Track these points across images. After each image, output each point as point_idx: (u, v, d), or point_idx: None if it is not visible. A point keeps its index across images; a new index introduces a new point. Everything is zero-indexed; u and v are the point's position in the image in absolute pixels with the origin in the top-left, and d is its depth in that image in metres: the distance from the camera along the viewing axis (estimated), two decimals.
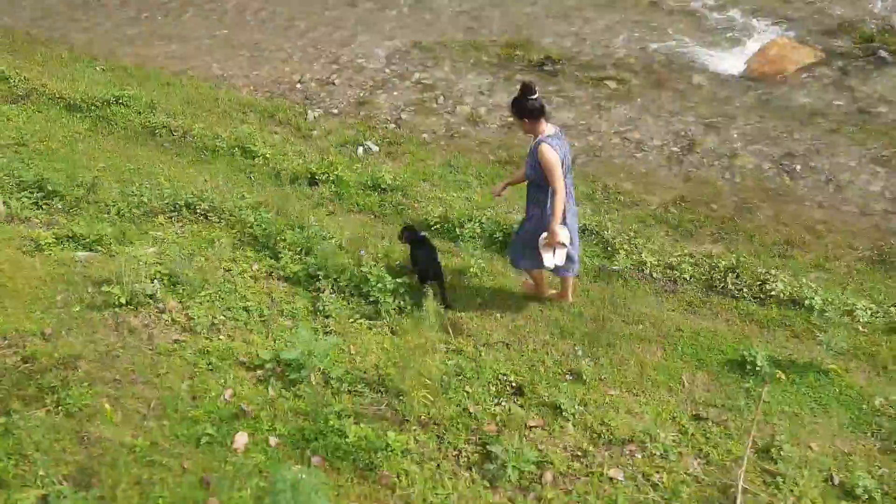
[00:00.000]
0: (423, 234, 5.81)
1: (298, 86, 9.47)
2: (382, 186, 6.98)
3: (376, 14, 11.00)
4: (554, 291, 5.70)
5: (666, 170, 7.49)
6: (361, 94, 9.14)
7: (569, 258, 5.11)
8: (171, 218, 6.26)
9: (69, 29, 11.02)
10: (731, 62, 9.01)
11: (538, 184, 4.93)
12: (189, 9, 11.43)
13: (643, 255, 6.07)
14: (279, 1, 11.51)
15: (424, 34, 10.40)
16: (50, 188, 6.32)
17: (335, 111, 8.89)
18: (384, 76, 9.53)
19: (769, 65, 8.79)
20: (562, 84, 8.95)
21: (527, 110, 4.76)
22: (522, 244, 5.22)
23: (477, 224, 6.39)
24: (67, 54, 10.15)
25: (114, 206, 6.27)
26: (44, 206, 6.26)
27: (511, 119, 5.11)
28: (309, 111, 8.78)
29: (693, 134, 7.96)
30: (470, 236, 6.29)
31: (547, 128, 4.85)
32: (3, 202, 6.11)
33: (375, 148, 8.07)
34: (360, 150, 8.04)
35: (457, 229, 6.40)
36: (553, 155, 4.71)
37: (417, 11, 10.99)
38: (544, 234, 4.91)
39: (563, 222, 4.85)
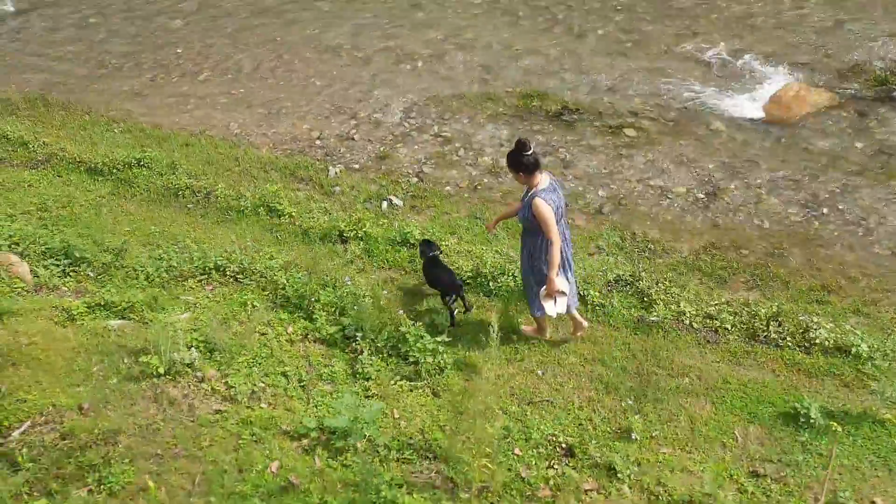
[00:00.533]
0: (435, 252, 6.05)
1: (318, 142, 9.50)
2: (411, 242, 6.93)
3: (391, 70, 11.11)
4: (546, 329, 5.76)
5: (692, 216, 7.45)
6: (381, 149, 9.16)
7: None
8: (201, 281, 6.20)
9: (86, 92, 11.11)
10: (747, 107, 9.06)
11: (532, 232, 5.12)
12: (204, 69, 11.54)
13: (681, 304, 5.98)
14: (294, 59, 11.62)
15: (440, 88, 10.48)
16: (77, 255, 6.28)
17: (356, 166, 8.90)
18: (403, 130, 9.57)
19: (786, 109, 8.84)
20: (581, 133, 8.98)
21: (522, 165, 4.95)
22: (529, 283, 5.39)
23: (510, 277, 6.32)
24: (85, 118, 10.22)
25: (142, 270, 6.22)
26: (71, 274, 6.21)
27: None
28: (330, 167, 8.79)
29: (716, 180, 7.95)
30: (504, 290, 6.22)
31: (542, 180, 5.01)
32: (31, 270, 6.07)
33: (399, 202, 8.05)
34: (385, 204, 8.01)
35: (490, 283, 6.34)
36: (546, 208, 4.88)
37: (432, 66, 11.10)
38: (544, 287, 5.09)
39: (561, 269, 5.07)
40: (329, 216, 7.55)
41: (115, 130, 9.79)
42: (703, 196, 7.70)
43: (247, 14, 13.33)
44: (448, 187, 8.33)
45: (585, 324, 5.70)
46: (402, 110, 10.06)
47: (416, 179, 8.52)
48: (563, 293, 5.10)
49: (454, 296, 5.83)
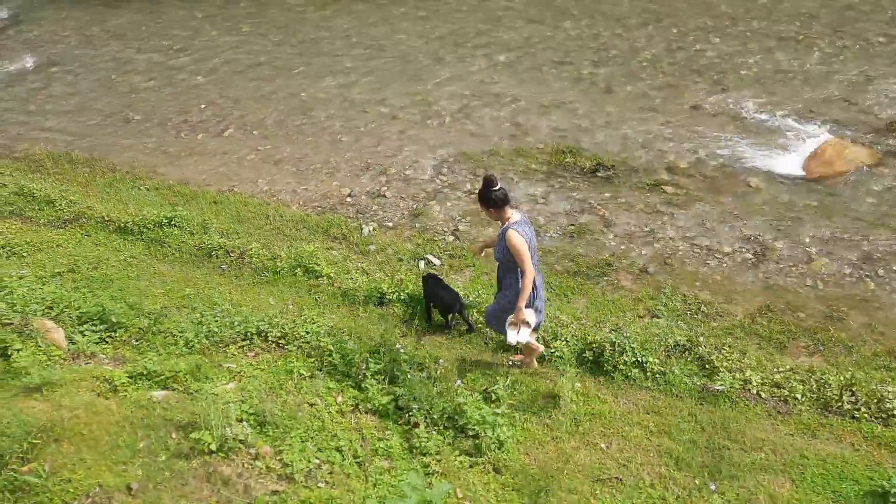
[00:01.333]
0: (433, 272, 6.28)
1: (349, 199, 9.36)
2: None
3: (419, 126, 11.06)
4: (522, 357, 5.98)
5: (742, 277, 7.24)
6: (414, 206, 9.01)
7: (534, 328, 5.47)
8: (242, 347, 5.96)
9: (110, 149, 11.04)
10: (786, 164, 8.93)
11: (507, 266, 5.30)
12: (230, 126, 11.50)
13: (746, 372, 5.72)
14: (320, 115, 11.59)
15: (470, 144, 10.40)
16: (113, 319, 6.04)
17: (390, 224, 8.73)
18: (435, 187, 9.44)
19: (826, 166, 8.72)
20: (618, 190, 8.84)
21: (491, 201, 5.14)
22: (498, 313, 5.56)
23: (563, 342, 6.08)
24: (111, 175, 10.12)
25: (181, 336, 5.99)
26: (108, 340, 5.97)
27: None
28: (363, 225, 8.62)
29: (763, 239, 7.76)
30: (558, 356, 5.97)
31: (512, 214, 5.20)
32: (66, 337, 5.84)
33: (437, 261, 7.85)
34: (422, 263, 7.82)
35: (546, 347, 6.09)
36: (519, 239, 5.06)
37: (459, 122, 11.05)
38: (511, 316, 5.29)
39: (532, 303, 5.25)
40: (368, 277, 7.35)
41: (143, 188, 9.67)
42: (750, 256, 7.50)
43: (269, 70, 13.37)
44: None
45: (535, 365, 5.93)
46: (433, 167, 9.95)
47: (452, 238, 8.35)
48: (528, 324, 5.24)
49: (455, 313, 6.19)
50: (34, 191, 8.96)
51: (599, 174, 9.19)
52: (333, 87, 12.54)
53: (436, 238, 8.34)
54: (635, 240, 7.89)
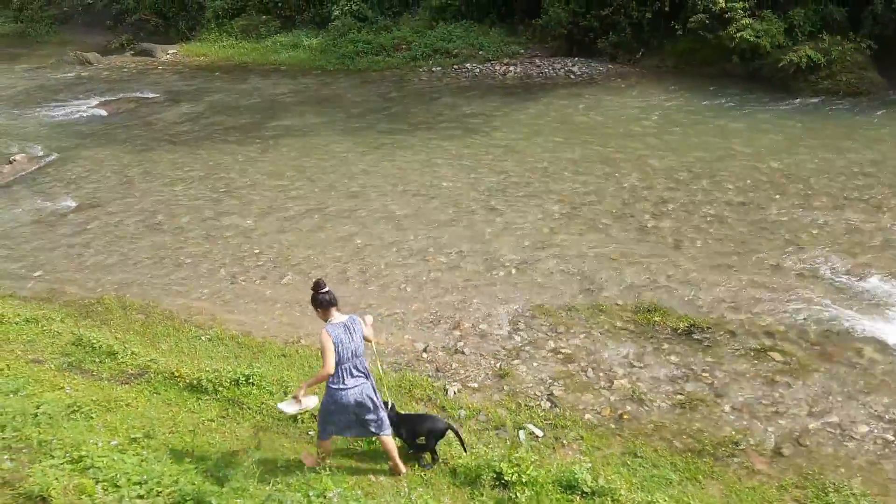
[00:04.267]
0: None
1: (425, 356, 8.78)
2: (584, 489, 5.98)
3: (484, 276, 10.69)
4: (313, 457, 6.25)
5: (891, 463, 6.58)
6: (498, 366, 8.43)
7: (336, 430, 5.99)
8: None
9: (162, 294, 10.54)
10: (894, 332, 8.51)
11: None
12: (287, 272, 11.09)
13: None
14: (379, 263, 11.23)
15: (540, 297, 9.98)
16: (213, 502, 5.27)
17: (474, 385, 8.11)
18: (515, 344, 8.91)
19: None
20: (720, 355, 8.32)
21: (318, 302, 5.71)
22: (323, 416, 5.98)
23: None
24: (167, 323, 9.55)
25: None
26: None
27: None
28: (448, 387, 7.99)
29: None
30: None
31: (336, 316, 5.72)
32: None
33: (539, 432, 7.17)
34: (522, 434, 7.14)
35: None
36: (326, 338, 5.56)
37: (525, 273, 10.70)
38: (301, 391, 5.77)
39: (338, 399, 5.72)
40: (471, 451, 6.64)
41: (204, 338, 9.08)
42: (892, 438, 6.88)
43: (319, 216, 13.17)
44: (588, 415, 7.49)
45: (403, 469, 6.21)
46: (509, 321, 9.46)
47: (548, 404, 7.70)
48: (299, 401, 5.76)
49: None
50: (93, 341, 8.35)
51: (695, 336, 8.71)
52: (387, 234, 12.29)
53: (530, 404, 7.70)
54: (756, 414, 7.27)
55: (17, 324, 8.97)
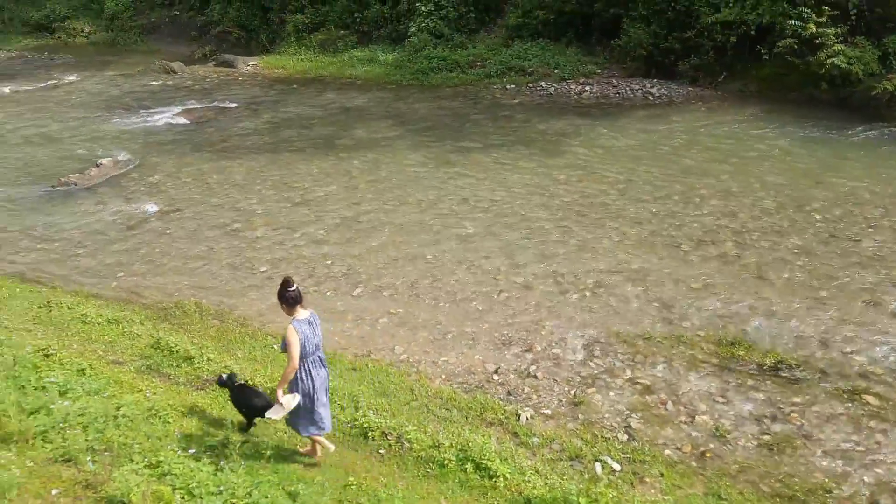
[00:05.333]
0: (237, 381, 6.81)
1: (496, 377, 8.60)
2: None
3: (557, 298, 10.45)
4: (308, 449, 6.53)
5: None
6: (572, 393, 8.18)
7: (312, 422, 6.14)
8: None
9: (237, 300, 10.68)
10: None
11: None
12: (358, 285, 11.09)
13: None
14: (450, 279, 11.13)
15: (617, 324, 9.68)
16: None
17: (547, 412, 7.89)
18: (590, 371, 8.64)
19: None
20: (811, 395, 7.88)
21: (285, 299, 5.92)
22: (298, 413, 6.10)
23: None
24: (241, 330, 9.66)
25: None
26: None
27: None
28: (520, 412, 7.79)
29: None
30: None
31: (300, 313, 5.95)
32: None
33: (617, 466, 6.90)
34: (598, 467, 6.88)
35: None
36: (293, 335, 5.80)
37: (601, 297, 10.42)
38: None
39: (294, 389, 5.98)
40: (544, 480, 6.42)
41: (276, 347, 9.10)
42: None
43: (391, 229, 13.16)
44: (668, 451, 7.17)
45: (331, 447, 6.48)
46: (583, 347, 9.20)
47: (625, 437, 7.41)
48: (282, 406, 5.91)
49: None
50: (171, 345, 8.47)
51: (782, 373, 8.27)
52: (459, 251, 12.18)
53: (606, 435, 7.42)
54: (851, 461, 6.82)
55: (99, 324, 9.20)
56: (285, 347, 5.88)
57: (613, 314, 9.98)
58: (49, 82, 28.27)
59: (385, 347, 9.34)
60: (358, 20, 29.59)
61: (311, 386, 5.99)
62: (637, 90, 22.25)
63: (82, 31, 37.70)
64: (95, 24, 37.92)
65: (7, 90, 26.91)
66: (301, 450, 6.61)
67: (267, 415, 6.10)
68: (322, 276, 11.42)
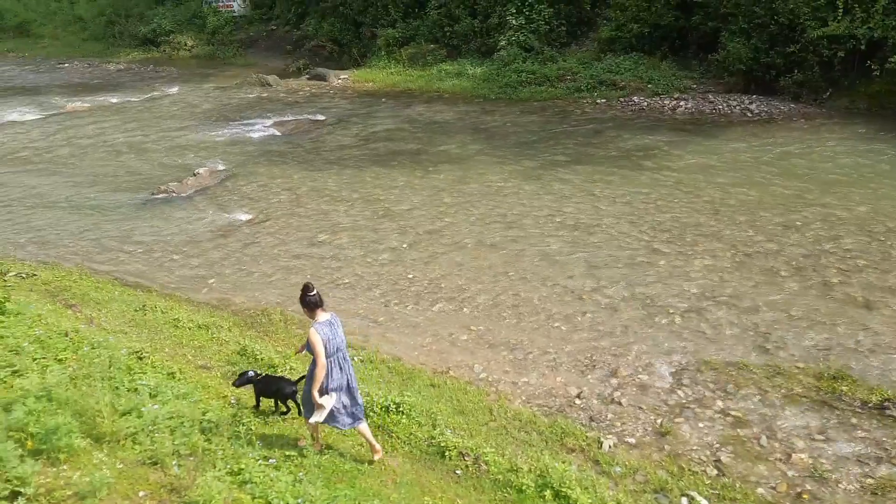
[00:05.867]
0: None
1: (578, 401, 8.34)
2: None
3: (644, 321, 10.09)
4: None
5: None
6: (659, 422, 7.83)
7: (350, 415, 6.45)
8: None
9: None
10: None
11: (314, 358, 6.18)
12: (439, 300, 11.03)
13: None
14: (532, 297, 10.92)
15: (709, 351, 9.25)
16: None
17: (631, 441, 7.57)
18: (678, 400, 8.26)
19: None
20: None
21: (306, 303, 6.21)
22: (306, 398, 6.42)
23: None
24: None
25: None
26: None
27: None
28: (603, 439, 7.51)
29: None
30: None
31: (321, 315, 6.25)
32: None
33: (705, 502, 6.53)
34: (685, 501, 6.53)
35: None
36: (316, 337, 6.08)
37: (692, 322, 9.98)
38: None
39: (330, 389, 6.23)
40: None
41: (356, 359, 9.13)
42: None
43: (474, 244, 13.06)
44: (761, 489, 6.74)
45: (377, 447, 6.68)
46: (671, 374, 8.82)
47: (714, 471, 7.02)
48: (323, 406, 6.17)
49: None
50: (256, 352, 8.64)
51: (889, 412, 7.67)
52: (543, 268, 11.95)
53: (694, 469, 7.05)
54: None
55: (190, 329, 9.48)
56: (310, 349, 6.14)
57: (705, 341, 9.55)
58: (152, 93, 29.76)
59: (464, 365, 9.23)
60: (448, 34, 29.82)
61: (325, 385, 6.24)
62: (735, 106, 21.42)
63: (185, 45, 39.55)
64: (198, 39, 39.73)
65: (114, 100, 28.50)
66: (301, 443, 6.78)
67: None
68: (403, 290, 11.43)
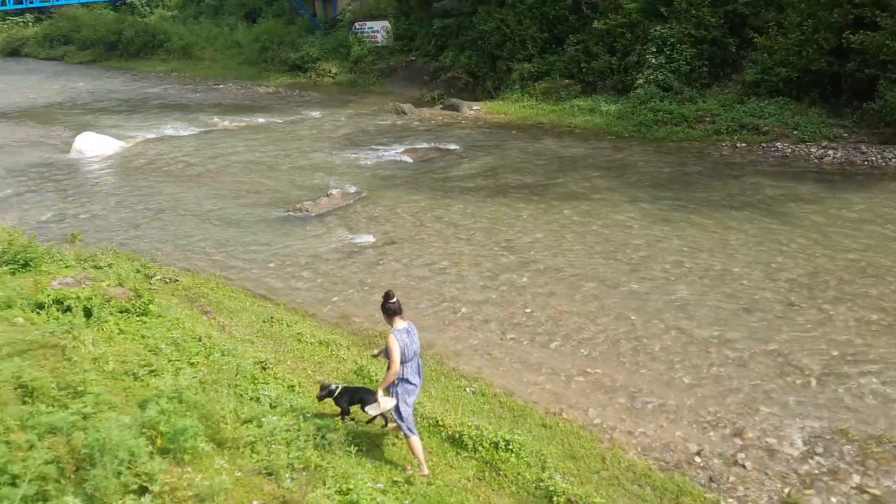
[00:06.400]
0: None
1: (697, 459, 7.89)
2: None
3: (776, 381, 9.44)
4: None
5: None
6: (786, 492, 7.27)
7: (400, 416, 6.76)
8: None
9: (436, 337, 10.87)
10: None
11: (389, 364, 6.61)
12: (555, 337, 10.83)
13: None
14: (654, 344, 10.51)
15: (845, 419, 8.53)
16: None
17: None
18: (810, 470, 7.64)
19: None
20: None
21: (386, 310, 6.68)
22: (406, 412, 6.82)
23: None
24: (438, 367, 9.78)
25: None
26: None
27: None
28: (723, 502, 7.04)
29: None
30: None
31: (398, 323, 6.64)
32: None
33: None
34: None
35: None
36: (394, 343, 6.49)
37: (828, 387, 9.25)
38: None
39: (395, 391, 6.70)
40: None
41: (468, 390, 9.13)
42: None
43: (594, 283, 12.75)
44: None
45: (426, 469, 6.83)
46: (803, 441, 8.18)
47: None
48: (380, 403, 6.63)
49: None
50: (371, 373, 8.80)
51: None
52: (667, 316, 11.47)
53: None
54: None
55: (311, 344, 9.81)
56: (387, 354, 6.57)
57: (843, 408, 8.81)
58: (296, 116, 31.44)
59: (578, 407, 8.98)
60: (584, 70, 29.64)
61: (411, 390, 6.75)
62: (891, 159, 19.86)
63: (330, 72, 41.58)
64: (341, 66, 41.68)
65: (262, 120, 30.34)
66: (408, 469, 6.89)
67: (367, 409, 6.97)
68: (520, 324, 11.32)
